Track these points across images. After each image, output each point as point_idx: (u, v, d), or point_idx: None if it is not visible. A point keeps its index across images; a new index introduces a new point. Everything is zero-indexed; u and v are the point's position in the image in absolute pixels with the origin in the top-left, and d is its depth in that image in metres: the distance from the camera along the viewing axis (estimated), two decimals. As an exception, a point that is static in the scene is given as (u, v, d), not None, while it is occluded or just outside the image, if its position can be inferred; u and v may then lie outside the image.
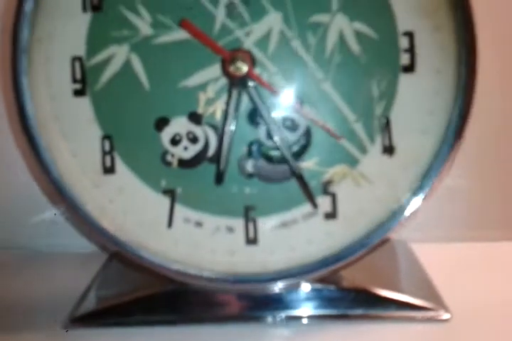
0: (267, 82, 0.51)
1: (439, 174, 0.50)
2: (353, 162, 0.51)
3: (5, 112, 0.73)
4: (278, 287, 0.52)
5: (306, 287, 0.53)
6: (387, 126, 0.50)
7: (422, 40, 0.49)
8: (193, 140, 0.52)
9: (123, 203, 0.53)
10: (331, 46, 0.50)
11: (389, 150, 0.51)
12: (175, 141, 0.52)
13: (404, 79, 0.50)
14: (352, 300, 0.53)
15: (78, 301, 0.57)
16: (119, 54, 0.52)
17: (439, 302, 0.53)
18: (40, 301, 0.60)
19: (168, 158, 0.52)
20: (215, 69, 0.51)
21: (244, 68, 0.50)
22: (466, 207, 0.72)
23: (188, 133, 0.52)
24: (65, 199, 0.52)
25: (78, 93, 0.52)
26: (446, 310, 0.52)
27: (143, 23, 0.51)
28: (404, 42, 0.49)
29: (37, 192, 0.74)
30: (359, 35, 0.50)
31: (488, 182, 0.71)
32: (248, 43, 0.51)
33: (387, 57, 0.50)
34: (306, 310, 0.53)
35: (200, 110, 0.52)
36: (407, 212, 0.50)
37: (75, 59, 0.52)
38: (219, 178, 0.51)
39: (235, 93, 0.51)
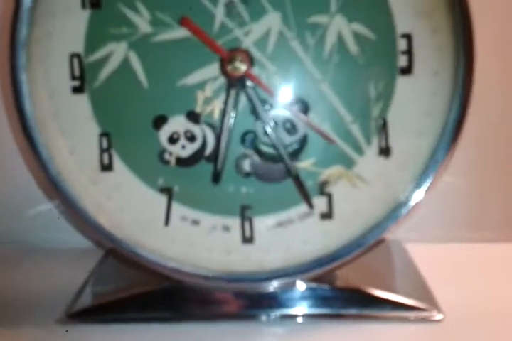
0: (266, 82, 0.51)
1: (435, 176, 0.50)
2: (349, 163, 0.51)
3: (3, 109, 0.73)
4: (273, 286, 0.53)
5: (301, 286, 0.53)
6: (383, 128, 0.51)
7: (420, 41, 0.49)
8: (191, 138, 0.52)
9: (120, 200, 0.53)
10: (329, 47, 0.50)
11: (385, 151, 0.51)
12: (173, 140, 0.52)
13: (401, 80, 0.50)
14: (346, 300, 0.53)
15: (74, 297, 0.58)
16: (117, 51, 0.52)
17: (432, 303, 0.54)
18: (36, 296, 0.61)
19: (166, 156, 0.53)
20: (213, 69, 0.51)
21: (243, 68, 0.50)
22: (463, 208, 0.72)
23: (186, 131, 0.52)
24: (62, 195, 0.52)
25: (77, 90, 0.52)
26: (439, 310, 0.53)
27: (142, 21, 0.51)
28: (402, 44, 0.49)
29: (33, 186, 0.74)
30: (357, 36, 0.50)
31: (485, 182, 0.72)
32: (247, 43, 0.51)
33: (385, 59, 0.50)
34: (300, 309, 0.53)
35: (198, 109, 0.52)
36: (402, 213, 0.50)
37: (74, 56, 0.52)
38: (216, 177, 0.52)
39: (233, 93, 0.51)
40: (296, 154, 0.52)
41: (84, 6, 0.51)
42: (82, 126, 0.52)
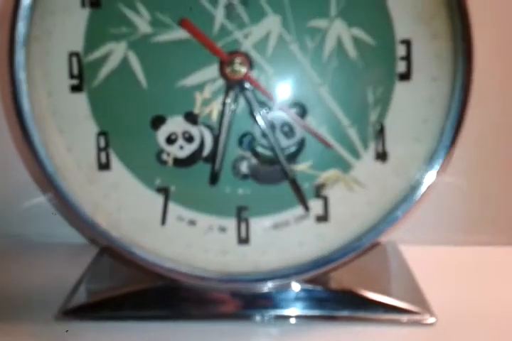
0: (264, 85, 0.51)
1: (430, 181, 0.50)
2: (346, 167, 0.52)
3: (2, 107, 0.73)
4: (269, 287, 0.53)
5: (295, 287, 0.54)
6: (381, 133, 0.51)
7: (419, 48, 0.49)
8: (189, 139, 0.52)
9: (117, 200, 0.53)
10: (328, 51, 0.50)
11: (382, 156, 0.51)
12: (171, 140, 0.52)
13: (400, 86, 0.50)
14: (339, 302, 0.54)
15: (70, 294, 0.58)
16: (116, 51, 0.52)
17: (425, 307, 0.54)
18: (31, 291, 0.61)
19: (164, 156, 0.53)
20: (212, 70, 0.51)
21: (242, 71, 0.50)
22: (460, 210, 0.72)
23: (184, 132, 0.52)
24: (59, 194, 0.52)
25: (75, 89, 0.52)
26: (432, 314, 0.53)
27: (141, 21, 0.51)
28: (401, 50, 0.50)
29: (29, 180, 0.74)
30: (357, 41, 0.50)
31: (483, 185, 0.72)
32: (246, 45, 0.51)
33: (383, 64, 0.50)
34: (294, 310, 0.53)
35: (196, 110, 0.52)
36: (398, 217, 0.51)
37: (73, 54, 0.52)
38: (213, 179, 0.52)
39: (231, 95, 0.51)
40: (293, 157, 0.52)
41: (83, 4, 0.51)
42: (80, 125, 0.53)
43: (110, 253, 0.63)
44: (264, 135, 0.51)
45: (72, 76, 0.52)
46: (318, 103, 0.51)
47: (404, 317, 0.53)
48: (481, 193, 0.72)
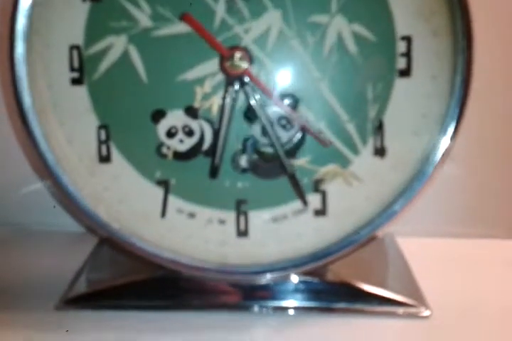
0: (264, 79, 0.51)
1: (428, 176, 0.51)
2: (344, 162, 0.52)
3: (2, 99, 0.73)
4: (267, 278, 0.54)
5: (293, 279, 0.55)
6: (379, 128, 0.51)
7: (420, 44, 0.50)
8: (189, 133, 0.53)
9: (118, 192, 0.54)
10: (328, 46, 0.50)
11: (380, 151, 0.52)
12: (171, 134, 0.53)
13: (399, 82, 0.50)
14: (336, 294, 0.54)
15: (71, 283, 0.59)
16: (117, 44, 0.52)
17: (421, 299, 0.55)
18: (31, 280, 0.62)
19: (164, 150, 0.53)
20: (212, 65, 0.51)
21: (242, 67, 0.50)
22: (458, 203, 0.73)
23: (184, 126, 0.53)
24: (60, 186, 0.53)
25: (76, 82, 0.52)
26: (427, 307, 0.54)
27: (142, 15, 0.51)
28: (401, 46, 0.50)
29: (29, 168, 0.75)
30: (357, 37, 0.50)
31: (482, 178, 0.72)
32: (247, 40, 0.51)
33: (384, 61, 0.50)
34: (292, 301, 0.54)
35: (196, 104, 0.52)
36: (395, 212, 0.51)
37: (73, 47, 0.52)
38: (213, 173, 0.52)
39: (231, 89, 0.51)
40: (292, 152, 0.52)
41: (84, -3, 0.51)
42: (81, 118, 0.53)
43: (110, 244, 0.64)
44: (263, 132, 0.52)
45: (72, 69, 0.52)
46: (318, 98, 0.51)
47: (400, 310, 0.54)
48: (480, 186, 0.72)
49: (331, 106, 0.51)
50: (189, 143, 0.53)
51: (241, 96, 0.52)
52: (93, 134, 0.53)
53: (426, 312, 0.54)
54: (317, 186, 0.53)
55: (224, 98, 0.51)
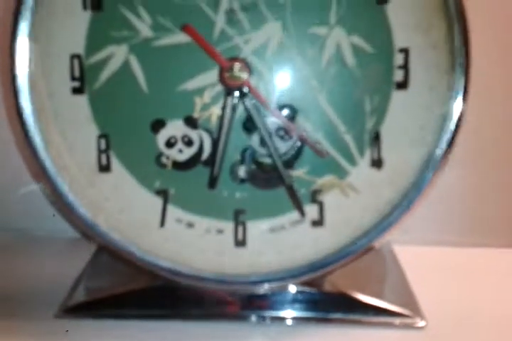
0: (263, 90, 0.51)
1: (425, 188, 0.51)
2: (342, 173, 0.52)
3: (3, 105, 0.74)
4: (264, 288, 0.54)
5: (291, 289, 0.55)
6: (377, 140, 0.52)
7: (417, 57, 0.50)
8: (188, 143, 0.53)
9: (117, 201, 0.54)
10: (327, 58, 0.51)
11: (377, 163, 0.52)
12: (170, 144, 0.53)
13: (397, 94, 0.51)
14: (333, 304, 0.55)
15: (70, 291, 0.59)
16: (118, 54, 0.52)
17: (416, 310, 0.55)
18: (32, 287, 0.62)
19: (163, 159, 0.53)
20: (212, 75, 0.52)
21: (241, 78, 0.51)
22: (455, 212, 0.73)
23: (184, 136, 0.53)
24: (59, 195, 0.53)
25: (77, 91, 0.53)
26: (422, 317, 0.54)
27: (143, 25, 0.51)
28: (399, 59, 0.50)
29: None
30: (355, 49, 0.50)
31: (478, 187, 0.73)
32: (246, 51, 0.51)
33: (381, 73, 0.51)
34: (290, 311, 0.55)
35: (195, 114, 0.52)
36: (392, 223, 0.52)
37: (74, 57, 0.52)
38: (212, 183, 0.53)
39: (230, 100, 0.51)
40: (290, 162, 0.53)
41: (85, 7, 0.51)
42: (82, 127, 0.53)
43: (109, 252, 0.64)
44: (262, 143, 0.52)
45: (73, 78, 0.52)
46: (316, 109, 0.52)
47: (395, 320, 0.54)
48: (477, 195, 0.73)
49: (328, 117, 0.51)
50: (188, 153, 0.53)
51: (240, 107, 0.52)
52: (93, 143, 0.53)
53: (421, 323, 0.54)
54: (314, 197, 0.53)
55: (223, 108, 0.52)
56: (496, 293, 0.61)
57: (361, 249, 0.52)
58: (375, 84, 0.51)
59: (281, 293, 0.55)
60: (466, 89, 0.49)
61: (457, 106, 0.49)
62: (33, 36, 0.51)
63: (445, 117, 0.50)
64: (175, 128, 0.53)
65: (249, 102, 0.51)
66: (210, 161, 0.53)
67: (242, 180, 0.53)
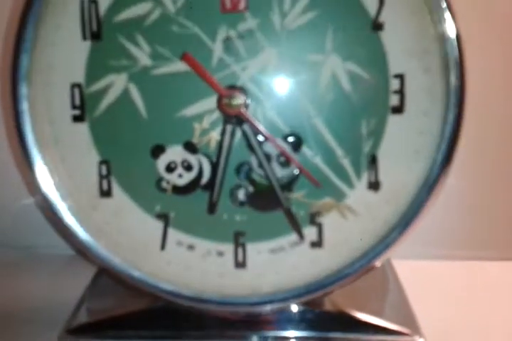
0: (261, 117, 0.52)
1: (421, 210, 0.52)
2: (340, 196, 0.53)
3: (5, 131, 0.76)
4: (266, 309, 0.55)
5: (292, 309, 0.56)
6: (374, 163, 0.53)
7: (412, 82, 0.51)
8: (188, 168, 0.54)
9: (118, 225, 0.55)
10: (323, 84, 0.52)
11: (374, 185, 0.53)
12: (170, 168, 0.54)
13: (392, 119, 0.52)
14: (333, 323, 0.56)
15: (73, 311, 0.60)
16: (117, 83, 0.53)
17: (415, 328, 0.56)
18: (33, 306, 0.63)
19: (163, 184, 0.54)
20: (210, 102, 0.52)
21: (238, 107, 0.51)
22: (454, 225, 0.74)
23: (183, 161, 0.54)
24: (61, 220, 0.54)
25: (77, 119, 0.54)
26: (421, 335, 0.55)
27: (142, 54, 0.52)
28: (394, 84, 0.51)
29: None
30: (351, 75, 0.51)
31: (476, 202, 0.74)
32: (244, 78, 0.52)
33: (377, 98, 0.51)
34: (291, 331, 0.56)
35: (195, 140, 0.53)
36: (389, 244, 0.53)
37: (75, 86, 0.53)
38: (212, 208, 0.54)
39: (229, 126, 0.52)
40: (288, 185, 0.54)
41: (84, 37, 0.52)
42: (83, 154, 0.54)
43: (109, 275, 0.65)
44: (260, 165, 0.53)
45: (74, 106, 0.53)
46: (314, 134, 0.52)
47: (394, 339, 0.55)
48: (474, 208, 0.74)
49: (326, 142, 0.52)
50: (188, 177, 0.54)
51: (239, 132, 0.53)
52: (94, 169, 0.54)
53: (420, 341, 0.55)
54: (313, 219, 0.54)
55: (222, 134, 0.53)
56: (496, 309, 0.62)
57: (360, 269, 0.53)
58: (372, 109, 0.52)
59: (281, 313, 0.56)
60: (460, 113, 0.50)
61: (452, 129, 0.50)
62: (33, 66, 0.52)
63: (440, 141, 0.51)
64: (174, 153, 0.54)
65: (247, 128, 0.52)
66: (210, 186, 0.54)
67: (242, 203, 0.54)
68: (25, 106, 0.52)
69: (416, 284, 0.64)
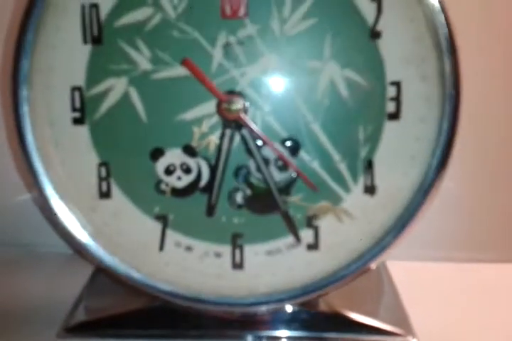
0: (260, 122, 0.53)
1: (416, 213, 0.53)
2: (336, 199, 0.54)
3: (5, 133, 0.76)
4: (262, 310, 0.56)
5: (287, 309, 0.57)
6: (370, 168, 0.53)
7: (409, 89, 0.52)
8: (187, 170, 0.55)
9: (117, 226, 0.56)
10: (321, 90, 0.52)
11: (371, 190, 0.54)
12: (169, 171, 0.55)
13: (389, 125, 0.52)
14: (328, 324, 0.57)
15: (71, 310, 0.61)
16: (117, 86, 0.53)
17: (408, 328, 0.58)
18: (34, 305, 0.64)
19: (162, 186, 0.55)
20: (210, 106, 0.53)
21: (236, 112, 0.52)
22: (449, 227, 0.75)
23: (182, 164, 0.55)
24: (59, 221, 0.55)
25: (77, 121, 0.54)
26: (414, 335, 0.57)
27: (142, 58, 0.53)
28: (391, 91, 0.52)
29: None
30: (349, 82, 0.52)
31: (472, 203, 0.74)
32: (243, 83, 0.53)
33: (374, 104, 0.52)
34: (285, 331, 0.57)
35: (194, 143, 0.54)
36: (384, 247, 0.54)
37: (75, 89, 0.54)
38: (210, 211, 0.55)
39: (228, 130, 0.53)
40: (286, 189, 0.54)
41: (85, 41, 0.53)
42: (82, 156, 0.55)
43: (107, 275, 0.65)
44: (258, 169, 0.54)
45: (74, 109, 0.54)
46: (311, 139, 0.53)
47: (387, 339, 0.56)
48: (471, 210, 0.75)
49: (323, 147, 0.53)
50: (187, 180, 0.55)
51: (238, 136, 0.54)
52: (94, 171, 0.55)
53: (413, 341, 0.57)
54: (310, 222, 0.55)
55: (221, 138, 0.53)
56: (491, 310, 0.63)
57: (355, 271, 0.54)
58: (369, 115, 0.53)
59: (277, 313, 0.57)
60: (455, 120, 0.51)
61: (447, 135, 0.51)
62: (34, 69, 0.52)
63: (435, 146, 0.52)
64: (173, 156, 0.54)
65: (246, 133, 0.53)
66: (208, 188, 0.55)
67: (240, 206, 0.55)
68: (25, 108, 0.53)
69: (413, 285, 0.65)
